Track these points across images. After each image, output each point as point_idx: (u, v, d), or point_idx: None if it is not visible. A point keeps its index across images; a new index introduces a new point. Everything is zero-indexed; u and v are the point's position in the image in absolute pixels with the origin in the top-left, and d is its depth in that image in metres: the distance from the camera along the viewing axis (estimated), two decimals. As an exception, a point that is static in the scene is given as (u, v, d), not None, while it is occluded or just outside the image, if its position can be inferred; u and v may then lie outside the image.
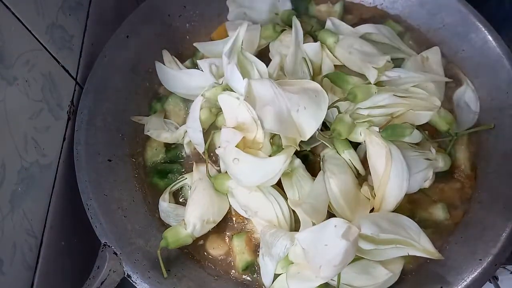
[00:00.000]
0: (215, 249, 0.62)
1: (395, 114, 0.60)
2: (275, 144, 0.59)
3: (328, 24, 0.72)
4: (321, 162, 0.61)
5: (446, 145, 0.66)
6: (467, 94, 0.69)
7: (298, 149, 0.58)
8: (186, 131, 0.66)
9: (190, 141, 0.66)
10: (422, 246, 0.55)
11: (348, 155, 0.60)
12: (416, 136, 0.61)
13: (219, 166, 0.65)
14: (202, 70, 0.69)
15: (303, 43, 0.67)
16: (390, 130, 0.59)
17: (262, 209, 0.58)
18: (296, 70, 0.65)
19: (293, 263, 0.56)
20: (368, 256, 0.54)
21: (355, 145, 0.62)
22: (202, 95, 0.64)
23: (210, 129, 0.66)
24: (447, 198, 0.64)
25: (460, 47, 0.72)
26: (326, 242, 0.49)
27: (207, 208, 0.60)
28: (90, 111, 0.65)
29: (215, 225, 0.62)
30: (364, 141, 0.60)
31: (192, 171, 0.64)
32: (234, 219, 0.64)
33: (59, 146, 0.62)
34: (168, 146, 0.70)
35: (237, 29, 0.61)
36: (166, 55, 0.74)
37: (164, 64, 0.73)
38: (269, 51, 0.71)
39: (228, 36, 0.72)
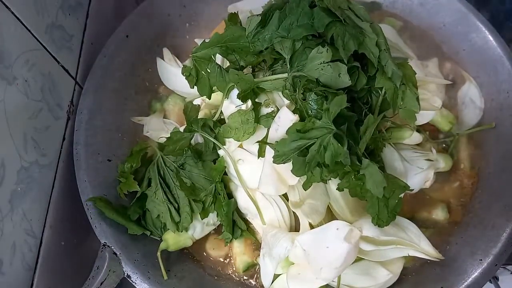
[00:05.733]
0: (215, 250, 0.62)
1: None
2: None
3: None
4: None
5: (447, 145, 0.66)
6: (471, 91, 0.69)
7: None
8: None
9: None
10: (422, 248, 0.55)
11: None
12: (415, 137, 0.61)
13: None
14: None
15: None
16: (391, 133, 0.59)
17: (262, 211, 0.58)
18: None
19: (293, 263, 0.56)
20: (368, 257, 0.54)
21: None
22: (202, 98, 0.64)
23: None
24: (447, 198, 0.64)
25: (461, 47, 0.72)
26: (327, 244, 0.50)
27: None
28: (89, 111, 0.65)
29: (215, 226, 0.62)
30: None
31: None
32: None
33: (59, 146, 0.62)
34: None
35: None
36: (167, 53, 0.74)
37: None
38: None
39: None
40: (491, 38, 0.68)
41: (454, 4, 0.72)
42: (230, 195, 0.60)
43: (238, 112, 0.56)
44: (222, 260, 0.63)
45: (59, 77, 0.62)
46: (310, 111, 0.51)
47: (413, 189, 0.61)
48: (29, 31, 0.55)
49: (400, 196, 0.53)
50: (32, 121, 0.55)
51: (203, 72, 0.58)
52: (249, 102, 0.56)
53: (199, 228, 0.60)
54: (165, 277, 0.57)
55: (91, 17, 0.71)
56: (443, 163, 0.63)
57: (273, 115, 0.55)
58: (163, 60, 0.73)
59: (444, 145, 0.67)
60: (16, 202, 0.51)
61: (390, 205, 0.53)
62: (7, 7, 0.50)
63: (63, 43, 0.63)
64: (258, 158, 0.56)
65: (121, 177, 0.62)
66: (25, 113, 0.54)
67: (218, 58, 0.58)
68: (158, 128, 0.69)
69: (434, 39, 0.75)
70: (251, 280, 0.61)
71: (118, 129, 0.68)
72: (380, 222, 0.52)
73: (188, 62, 0.75)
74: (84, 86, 0.66)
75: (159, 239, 0.60)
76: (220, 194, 0.59)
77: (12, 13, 0.51)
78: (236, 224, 0.59)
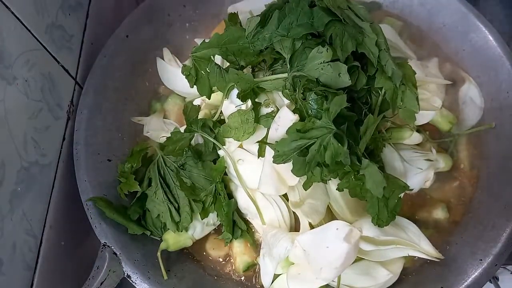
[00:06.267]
0: (215, 249, 0.62)
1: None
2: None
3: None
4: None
5: (447, 145, 0.66)
6: (471, 91, 0.69)
7: None
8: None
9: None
10: (422, 248, 0.55)
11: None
12: (415, 138, 0.61)
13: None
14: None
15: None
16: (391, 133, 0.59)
17: (262, 211, 0.58)
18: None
19: (293, 263, 0.56)
20: (368, 257, 0.54)
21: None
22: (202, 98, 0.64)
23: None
24: (447, 198, 0.64)
25: (461, 47, 0.72)
26: (327, 244, 0.50)
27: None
28: (89, 111, 0.65)
29: (215, 226, 0.62)
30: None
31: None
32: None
33: (59, 146, 0.62)
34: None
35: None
36: (167, 53, 0.73)
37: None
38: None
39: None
40: (491, 38, 0.68)
41: (454, 4, 0.71)
42: (230, 195, 0.60)
43: (238, 112, 0.56)
44: (222, 260, 0.63)
45: (59, 77, 0.62)
46: (310, 111, 0.51)
47: (413, 189, 0.61)
48: (29, 31, 0.55)
49: (400, 196, 0.53)
50: (32, 121, 0.55)
51: (202, 72, 0.58)
52: (249, 102, 0.56)
53: (199, 228, 0.60)
54: (165, 277, 0.57)
55: (91, 17, 0.71)
56: (443, 163, 0.63)
57: (273, 115, 0.55)
58: (163, 60, 0.73)
59: (444, 145, 0.67)
60: (16, 202, 0.51)
61: (390, 205, 0.53)
62: (7, 7, 0.50)
63: (63, 43, 0.63)
64: (258, 158, 0.56)
65: (121, 177, 0.62)
66: (25, 113, 0.54)
67: (218, 58, 0.58)
68: (158, 128, 0.69)
69: (434, 39, 0.75)
70: (251, 280, 0.61)
71: (118, 129, 0.68)
72: (380, 222, 0.52)
73: (188, 62, 0.75)
74: (84, 86, 0.66)
75: (159, 239, 0.61)
76: (220, 195, 0.59)
77: (12, 13, 0.51)
78: (236, 224, 0.59)
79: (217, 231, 0.63)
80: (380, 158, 0.59)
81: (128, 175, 0.61)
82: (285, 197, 0.58)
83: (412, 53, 0.70)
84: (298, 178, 0.53)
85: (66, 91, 0.64)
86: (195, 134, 0.61)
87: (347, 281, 0.54)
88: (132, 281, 0.56)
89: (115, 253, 0.56)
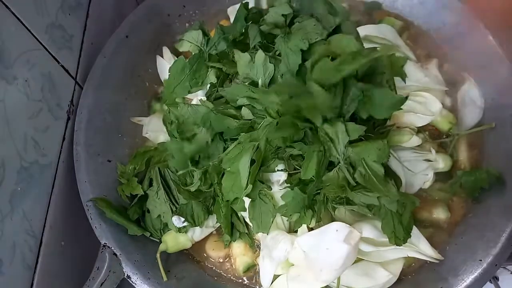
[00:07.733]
0: (215, 250, 0.62)
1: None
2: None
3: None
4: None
5: (447, 146, 0.66)
6: (471, 91, 0.69)
7: None
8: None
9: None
10: (422, 249, 0.55)
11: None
12: (414, 141, 0.61)
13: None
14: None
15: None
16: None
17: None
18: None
19: (293, 265, 0.56)
20: (368, 258, 0.54)
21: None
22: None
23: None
24: (447, 198, 0.64)
25: (461, 47, 0.72)
26: (327, 245, 0.50)
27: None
28: (89, 111, 0.65)
29: (214, 229, 0.62)
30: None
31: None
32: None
33: (59, 146, 0.62)
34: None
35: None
36: (166, 52, 0.74)
37: (164, 60, 0.73)
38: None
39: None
40: (491, 38, 0.68)
41: (454, 3, 0.71)
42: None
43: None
44: (222, 261, 0.63)
45: (59, 77, 0.62)
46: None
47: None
48: (29, 31, 0.55)
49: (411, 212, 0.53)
50: (32, 121, 0.55)
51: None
52: None
53: (198, 230, 0.60)
54: (165, 279, 0.57)
55: (91, 17, 0.71)
56: (442, 164, 0.63)
57: None
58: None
59: (443, 145, 0.67)
60: (16, 202, 0.51)
61: (403, 221, 0.52)
62: (7, 7, 0.50)
63: (63, 43, 0.63)
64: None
65: (122, 177, 0.62)
66: (25, 113, 0.54)
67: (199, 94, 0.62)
68: (158, 129, 0.68)
69: (434, 39, 0.75)
70: (251, 281, 0.61)
71: (118, 129, 0.68)
72: (397, 240, 0.52)
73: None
74: (84, 86, 0.66)
75: (158, 240, 0.60)
76: (219, 196, 0.58)
77: (12, 13, 0.51)
78: (234, 226, 0.59)
79: (217, 232, 0.63)
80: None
81: (130, 177, 0.61)
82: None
83: (412, 54, 0.70)
84: None
85: (66, 91, 0.64)
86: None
87: (346, 282, 0.54)
88: (132, 281, 0.56)
89: (115, 254, 0.56)
